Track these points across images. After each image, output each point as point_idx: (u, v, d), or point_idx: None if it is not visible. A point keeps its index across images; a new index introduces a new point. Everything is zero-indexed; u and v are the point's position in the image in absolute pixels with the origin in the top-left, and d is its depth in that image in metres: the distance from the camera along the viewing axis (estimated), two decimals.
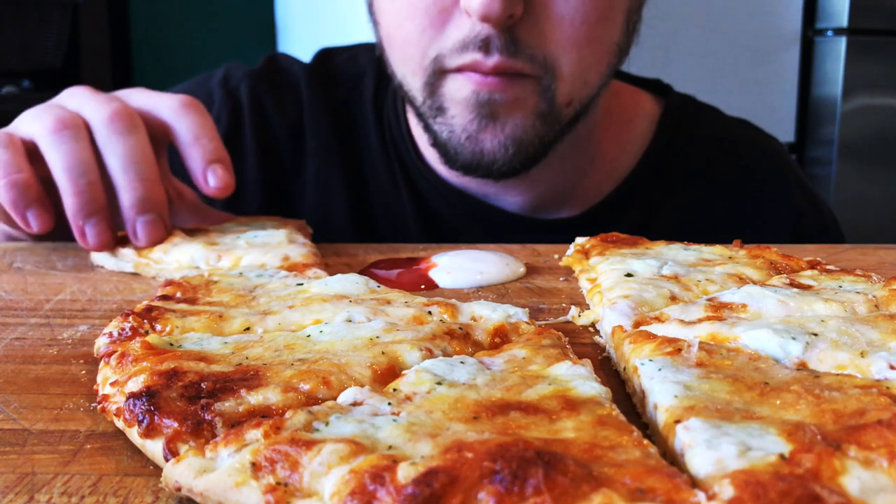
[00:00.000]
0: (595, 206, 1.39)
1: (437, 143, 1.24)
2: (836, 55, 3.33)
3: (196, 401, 0.55)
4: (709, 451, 0.48)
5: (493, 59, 1.10)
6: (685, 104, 1.50)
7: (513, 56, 1.10)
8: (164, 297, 0.82)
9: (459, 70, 1.13)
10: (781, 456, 0.47)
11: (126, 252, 1.02)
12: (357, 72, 1.50)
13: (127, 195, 1.00)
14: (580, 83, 1.17)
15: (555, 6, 1.10)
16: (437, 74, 1.16)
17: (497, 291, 0.95)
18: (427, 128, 1.24)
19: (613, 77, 1.31)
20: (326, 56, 1.54)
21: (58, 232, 1.07)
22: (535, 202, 1.38)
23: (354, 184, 1.44)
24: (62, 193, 0.99)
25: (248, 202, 1.42)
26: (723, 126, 1.54)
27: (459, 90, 1.15)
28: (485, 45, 1.09)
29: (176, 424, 0.54)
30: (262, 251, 0.99)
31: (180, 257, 1.00)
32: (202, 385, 0.57)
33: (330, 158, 1.44)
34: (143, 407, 0.55)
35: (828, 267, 0.92)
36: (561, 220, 1.39)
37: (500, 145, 1.18)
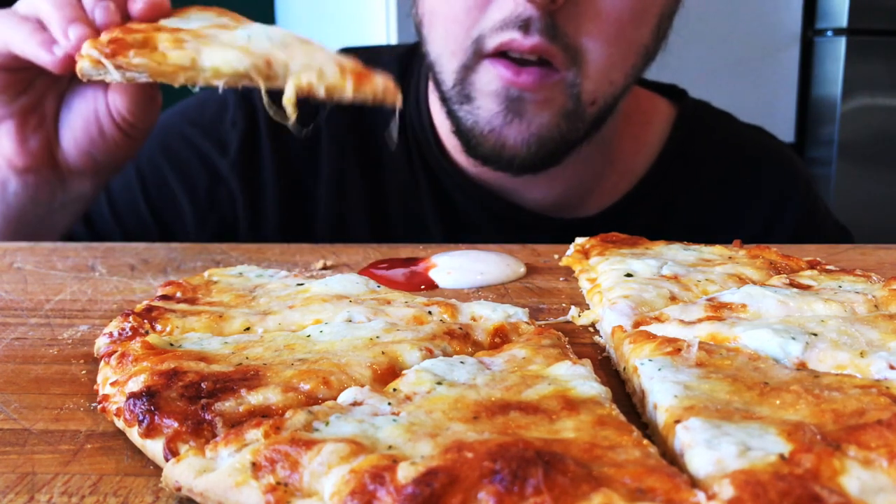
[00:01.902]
0: (611, 206, 1.41)
1: (459, 130, 1.25)
2: (836, 55, 3.33)
3: (196, 401, 0.56)
4: (709, 451, 0.48)
5: (533, 40, 1.11)
6: (700, 109, 1.52)
7: (551, 40, 1.11)
8: (165, 297, 0.82)
9: (496, 55, 1.14)
10: (781, 456, 0.47)
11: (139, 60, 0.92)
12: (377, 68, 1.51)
13: None
14: (605, 82, 1.19)
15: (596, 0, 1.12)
16: (475, 57, 1.17)
17: (497, 291, 0.95)
18: (451, 114, 1.25)
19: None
20: (345, 54, 1.55)
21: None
22: (555, 200, 1.39)
23: (372, 180, 1.44)
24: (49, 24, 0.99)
25: (266, 204, 1.43)
26: (736, 131, 1.55)
27: (490, 83, 1.16)
28: (525, 26, 1.11)
29: (176, 424, 0.54)
30: (304, 52, 0.95)
31: (217, 62, 0.92)
32: (202, 385, 0.57)
33: (346, 155, 1.45)
34: (143, 407, 0.55)
35: (827, 267, 0.92)
36: (578, 219, 1.40)
37: (523, 143, 1.20)
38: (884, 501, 0.44)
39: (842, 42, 3.29)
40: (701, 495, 0.44)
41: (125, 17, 1.02)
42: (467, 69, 1.18)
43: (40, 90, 1.12)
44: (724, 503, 0.43)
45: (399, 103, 0.98)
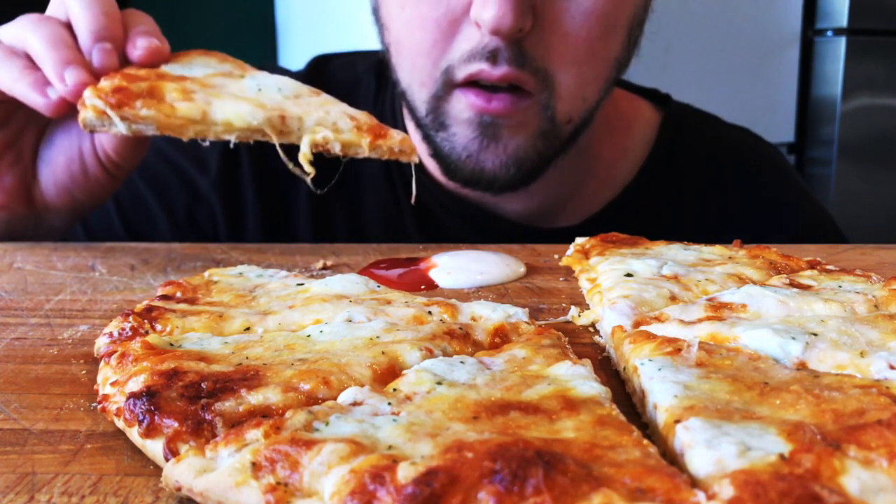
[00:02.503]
0: (594, 215, 1.39)
1: (437, 154, 1.24)
2: (835, 55, 3.33)
3: (196, 401, 0.56)
4: (709, 450, 0.48)
5: (501, 70, 1.10)
6: (684, 112, 1.50)
7: (520, 68, 1.10)
8: (165, 297, 0.82)
9: (466, 84, 1.13)
10: (781, 456, 0.47)
11: (147, 112, 0.89)
12: (352, 79, 1.49)
13: (86, 25, 0.97)
14: (578, 100, 1.18)
15: (563, 22, 1.10)
16: (446, 87, 1.15)
17: (497, 291, 0.95)
18: (427, 138, 1.24)
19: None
20: (321, 62, 1.53)
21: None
22: (535, 211, 1.38)
23: (352, 193, 1.43)
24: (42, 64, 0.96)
25: (247, 221, 1.42)
26: (723, 134, 1.53)
27: (462, 111, 1.16)
28: (492, 57, 1.09)
29: (176, 424, 0.54)
30: (318, 108, 0.93)
31: (229, 116, 0.89)
32: (202, 385, 0.57)
33: (325, 171, 1.43)
34: (143, 407, 0.55)
35: (827, 267, 0.92)
36: (561, 229, 1.39)
37: (501, 165, 1.19)
38: (884, 501, 0.44)
39: (842, 42, 3.30)
40: (701, 495, 0.44)
41: (123, 61, 0.99)
42: (438, 99, 1.17)
43: (19, 125, 1.08)
44: (724, 503, 0.43)
45: (416, 160, 0.96)
